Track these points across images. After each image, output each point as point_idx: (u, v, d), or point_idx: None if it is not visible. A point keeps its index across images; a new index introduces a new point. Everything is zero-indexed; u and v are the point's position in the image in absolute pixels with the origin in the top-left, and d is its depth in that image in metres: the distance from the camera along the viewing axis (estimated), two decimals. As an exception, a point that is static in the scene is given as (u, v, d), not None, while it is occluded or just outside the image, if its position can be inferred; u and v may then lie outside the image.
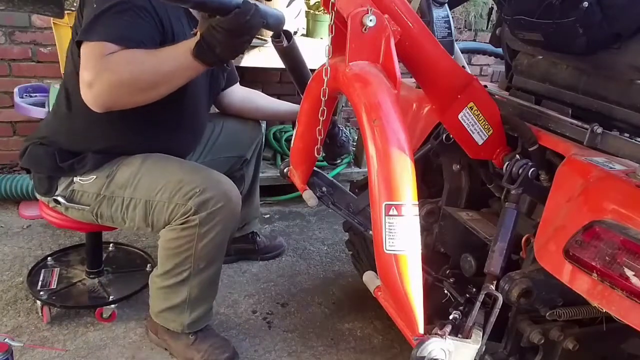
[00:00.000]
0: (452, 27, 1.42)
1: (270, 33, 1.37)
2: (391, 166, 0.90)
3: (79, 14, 1.38)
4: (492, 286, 1.02)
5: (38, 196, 1.59)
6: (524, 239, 1.14)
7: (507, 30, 1.38)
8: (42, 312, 1.70)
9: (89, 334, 1.68)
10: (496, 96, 1.38)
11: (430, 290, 1.32)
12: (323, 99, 1.08)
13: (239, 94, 1.91)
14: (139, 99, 1.29)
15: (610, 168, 0.96)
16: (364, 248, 1.82)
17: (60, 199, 1.51)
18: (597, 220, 0.89)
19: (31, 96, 2.35)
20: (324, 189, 1.40)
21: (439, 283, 1.36)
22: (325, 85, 1.05)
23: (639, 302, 0.82)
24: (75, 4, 2.17)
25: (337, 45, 1.03)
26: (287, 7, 2.24)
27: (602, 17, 1.04)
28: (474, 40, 3.55)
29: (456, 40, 1.61)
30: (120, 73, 1.23)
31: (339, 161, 1.59)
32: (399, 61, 0.99)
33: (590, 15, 1.03)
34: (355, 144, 2.86)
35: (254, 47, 2.17)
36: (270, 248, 2.24)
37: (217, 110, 1.92)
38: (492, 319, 0.95)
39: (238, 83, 1.92)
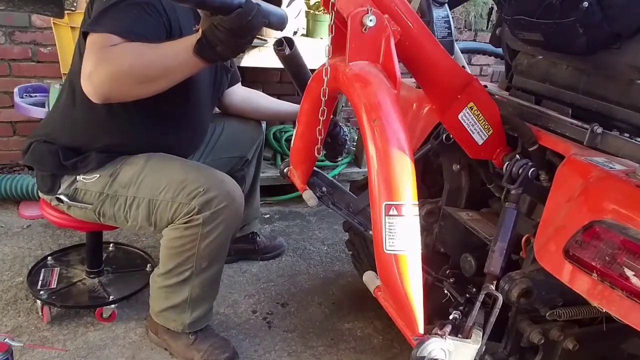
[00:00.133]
0: (452, 27, 1.42)
1: (273, 33, 1.37)
2: (391, 166, 0.90)
3: (90, 8, 1.39)
4: (492, 286, 1.02)
5: (40, 194, 1.59)
6: (524, 239, 1.14)
7: (507, 30, 1.38)
8: (42, 312, 1.70)
9: (89, 334, 1.68)
10: (496, 96, 1.38)
11: (430, 290, 1.32)
12: (323, 99, 1.08)
13: (240, 94, 1.92)
14: (138, 91, 1.29)
15: (610, 168, 0.96)
16: (364, 248, 1.83)
17: (63, 197, 1.51)
18: (597, 220, 0.90)
19: (31, 96, 2.35)
20: (324, 189, 1.40)
21: (439, 283, 1.36)
22: (325, 85, 1.05)
23: (639, 302, 0.82)
24: (75, 4, 2.17)
25: (337, 45, 1.03)
26: (287, 7, 2.24)
27: (602, 17, 1.04)
28: (474, 40, 3.55)
29: (456, 40, 1.61)
30: (120, 64, 1.24)
31: (340, 159, 1.59)
32: (399, 61, 0.99)
33: (590, 15, 1.03)
34: (355, 144, 2.86)
35: (254, 47, 2.17)
36: (270, 248, 2.24)
37: (218, 111, 1.92)
38: (492, 319, 0.95)
39: (240, 83, 1.92)
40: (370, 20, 0.94)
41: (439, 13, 1.40)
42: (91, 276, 1.83)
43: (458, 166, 1.41)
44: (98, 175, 1.48)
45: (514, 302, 1.02)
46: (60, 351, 1.60)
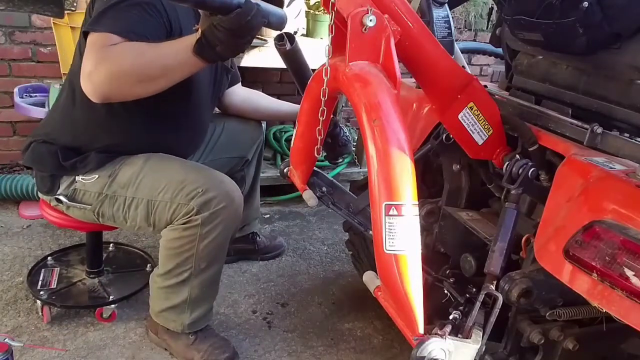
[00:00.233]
0: (452, 27, 1.42)
1: (272, 33, 1.37)
2: (391, 166, 0.90)
3: (90, 8, 1.39)
4: (492, 286, 1.02)
5: (40, 195, 1.59)
6: (524, 239, 1.14)
7: (507, 30, 1.38)
8: (42, 312, 1.70)
9: (89, 334, 1.68)
10: (496, 96, 1.38)
11: (430, 290, 1.32)
12: (323, 99, 1.08)
13: (240, 95, 1.92)
14: (138, 90, 1.29)
15: (610, 168, 0.96)
16: (364, 248, 1.82)
17: (62, 197, 1.51)
18: (597, 220, 0.89)
19: (31, 96, 2.35)
20: (324, 189, 1.40)
21: (439, 283, 1.36)
22: (325, 85, 1.05)
23: (639, 302, 0.82)
24: (75, 4, 2.17)
25: (337, 45, 1.03)
26: (287, 7, 2.24)
27: (602, 17, 1.04)
28: (474, 40, 3.55)
29: (456, 40, 1.61)
30: (120, 63, 1.24)
31: (340, 160, 1.59)
32: (399, 61, 0.99)
33: (590, 15, 1.03)
34: (355, 144, 2.86)
35: (254, 47, 2.17)
36: (270, 248, 2.24)
37: (218, 111, 1.92)
38: (492, 319, 0.95)
39: (240, 83, 1.92)
40: (370, 20, 0.94)
41: (439, 13, 1.40)
42: (91, 276, 1.83)
43: (458, 166, 1.40)
44: (97, 176, 1.48)
45: (514, 302, 1.02)
46: (60, 351, 1.60)
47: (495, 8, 1.51)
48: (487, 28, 3.39)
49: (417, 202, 0.92)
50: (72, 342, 1.64)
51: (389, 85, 0.95)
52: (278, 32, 1.34)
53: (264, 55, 2.21)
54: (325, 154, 1.54)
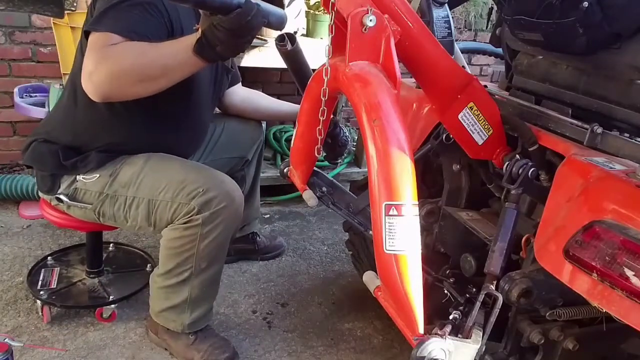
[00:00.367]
0: (452, 27, 1.42)
1: (273, 33, 1.37)
2: (391, 166, 0.90)
3: (92, 8, 1.39)
4: (492, 286, 1.02)
5: (40, 194, 1.59)
6: (524, 239, 1.14)
7: (507, 30, 1.38)
8: (42, 312, 1.70)
9: (89, 334, 1.68)
10: (496, 96, 1.38)
11: (430, 290, 1.32)
12: (323, 99, 1.08)
13: (240, 95, 1.92)
14: (139, 90, 1.29)
15: (610, 168, 0.96)
16: (364, 248, 1.82)
17: (62, 197, 1.51)
18: (597, 220, 0.89)
19: (31, 96, 2.35)
20: (324, 189, 1.40)
21: (439, 283, 1.36)
22: (325, 85, 1.05)
23: (639, 302, 0.82)
24: (75, 4, 2.17)
25: (337, 45, 1.03)
26: (287, 7, 2.24)
27: (602, 17, 1.04)
28: (474, 40, 3.55)
29: (456, 40, 1.60)
30: (120, 63, 1.24)
31: (340, 161, 1.59)
32: (399, 61, 0.99)
33: (590, 15, 1.03)
34: (355, 144, 2.86)
35: (254, 47, 2.17)
36: (270, 248, 2.24)
37: (218, 111, 1.92)
38: (492, 319, 0.95)
39: (240, 83, 1.92)
40: (370, 20, 0.94)
41: (439, 13, 1.40)
42: (91, 276, 1.83)
43: (458, 166, 1.41)
44: (98, 175, 1.48)
45: (514, 302, 1.02)
46: (60, 351, 1.60)
47: (495, 8, 1.51)
48: (487, 28, 3.39)
49: (417, 202, 0.92)
50: (72, 342, 1.64)
51: (389, 85, 0.95)
52: (278, 32, 1.34)
53: (264, 55, 2.21)
54: (324, 154, 1.54)
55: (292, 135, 1.38)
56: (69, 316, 1.75)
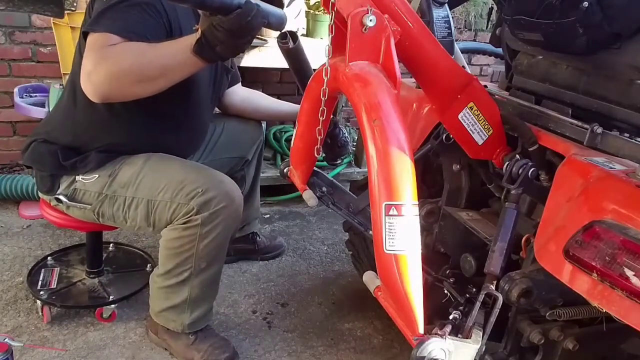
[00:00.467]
0: (452, 27, 1.42)
1: (273, 33, 1.37)
2: (391, 166, 0.90)
3: (90, 8, 1.39)
4: (492, 286, 1.02)
5: (40, 194, 1.59)
6: (524, 239, 1.14)
7: (507, 30, 1.38)
8: (42, 312, 1.70)
9: (89, 334, 1.68)
10: (496, 96, 1.38)
11: (430, 290, 1.32)
12: (323, 99, 1.08)
13: (240, 95, 1.92)
14: (138, 90, 1.29)
15: (610, 168, 0.96)
16: (364, 248, 1.82)
17: (62, 197, 1.51)
18: (597, 220, 0.89)
19: (31, 96, 2.35)
20: (324, 189, 1.40)
21: (439, 283, 1.36)
22: (325, 85, 1.05)
23: (639, 302, 0.82)
24: (75, 4, 2.17)
25: (337, 45, 1.03)
26: (287, 7, 2.24)
27: (602, 17, 1.04)
28: (474, 40, 3.55)
29: (456, 40, 1.60)
30: (119, 63, 1.24)
31: (339, 161, 1.59)
32: (399, 61, 0.99)
33: (590, 15, 1.03)
34: (355, 144, 2.86)
35: (254, 47, 2.16)
36: (270, 248, 2.24)
37: (218, 111, 1.92)
38: (492, 319, 0.95)
39: (240, 83, 1.92)
40: (370, 20, 0.94)
41: (439, 13, 1.40)
42: (91, 276, 1.83)
43: (458, 166, 1.40)
44: (97, 176, 1.48)
45: (514, 302, 1.02)
46: (60, 351, 1.60)
47: (495, 8, 1.51)
48: (487, 28, 3.39)
49: (417, 202, 0.92)
50: (72, 342, 1.64)
51: (389, 85, 0.95)
52: (278, 32, 1.34)
53: (264, 55, 2.21)
54: (324, 154, 1.54)
55: (292, 135, 1.38)
56: (69, 316, 1.75)
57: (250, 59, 2.20)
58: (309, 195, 1.34)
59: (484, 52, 1.94)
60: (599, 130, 1.09)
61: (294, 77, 1.44)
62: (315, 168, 1.41)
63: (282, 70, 2.82)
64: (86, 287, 1.80)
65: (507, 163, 1.14)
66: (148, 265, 1.94)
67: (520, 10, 1.18)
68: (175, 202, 1.42)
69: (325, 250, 2.37)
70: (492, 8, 1.63)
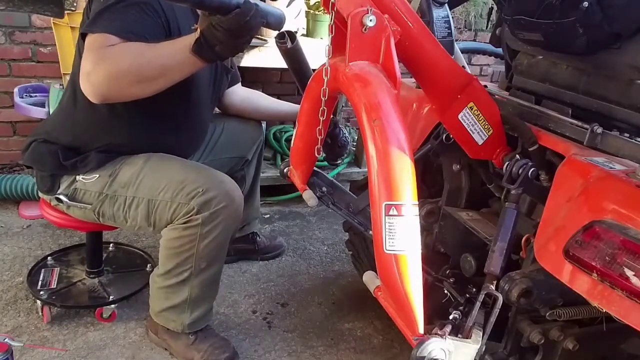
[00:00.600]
0: (452, 27, 1.42)
1: (272, 33, 1.37)
2: (391, 166, 0.90)
3: (88, 9, 1.39)
4: (492, 286, 1.02)
5: (40, 194, 1.59)
6: (524, 239, 1.14)
7: (507, 30, 1.38)
8: (42, 312, 1.70)
9: (89, 334, 1.68)
10: (496, 96, 1.38)
11: (430, 290, 1.32)
12: (323, 99, 1.08)
13: (240, 95, 1.91)
14: (137, 91, 1.29)
15: (610, 168, 0.96)
16: (364, 248, 1.82)
17: (62, 197, 1.51)
18: (597, 220, 0.89)
19: (31, 96, 2.35)
20: (324, 189, 1.40)
21: (439, 283, 1.36)
22: (325, 85, 1.05)
23: (639, 302, 0.82)
24: (75, 4, 2.17)
25: (337, 45, 1.03)
26: (287, 7, 2.24)
27: (602, 17, 1.04)
28: (474, 40, 3.55)
29: (456, 40, 1.60)
30: (118, 64, 1.24)
31: (339, 161, 1.59)
32: (399, 61, 0.99)
33: (590, 15, 1.03)
34: (355, 144, 2.86)
35: (254, 47, 2.16)
36: (270, 248, 2.24)
37: (218, 111, 1.92)
38: (492, 319, 0.95)
39: (240, 83, 1.92)
40: (370, 20, 0.94)
41: (439, 13, 1.40)
42: (91, 276, 1.83)
43: (458, 166, 1.40)
44: (97, 175, 1.48)
45: (514, 302, 1.02)
46: (60, 351, 1.60)
47: (495, 8, 1.51)
48: (487, 28, 3.39)
49: (417, 202, 0.92)
50: (72, 342, 1.64)
51: (389, 85, 0.95)
52: (278, 32, 1.34)
53: (264, 55, 2.21)
54: (324, 154, 1.54)
55: (292, 135, 1.38)
56: (69, 316, 1.75)
57: (250, 59, 2.20)
58: (309, 195, 1.34)
59: (484, 52, 1.94)
60: (599, 130, 1.09)
61: (293, 77, 1.44)
62: (315, 168, 1.41)
63: (282, 70, 2.81)
64: (86, 287, 1.80)
65: (507, 163, 1.14)
66: (148, 265, 1.94)
67: (520, 10, 1.18)
68: (175, 201, 1.42)
69: (325, 250, 2.37)
70: (492, 8, 1.63)
